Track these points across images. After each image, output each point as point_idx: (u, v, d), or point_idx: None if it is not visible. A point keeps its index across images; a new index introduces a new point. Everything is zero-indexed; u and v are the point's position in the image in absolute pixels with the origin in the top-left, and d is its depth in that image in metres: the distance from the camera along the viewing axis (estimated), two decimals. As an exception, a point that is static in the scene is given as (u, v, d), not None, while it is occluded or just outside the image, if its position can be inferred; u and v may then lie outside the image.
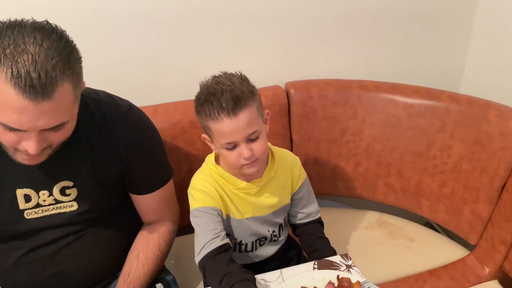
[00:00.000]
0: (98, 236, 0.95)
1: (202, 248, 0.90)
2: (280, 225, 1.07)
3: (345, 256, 0.93)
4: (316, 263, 0.91)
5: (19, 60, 0.62)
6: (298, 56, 1.40)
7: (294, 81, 1.38)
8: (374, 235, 1.31)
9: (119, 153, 0.89)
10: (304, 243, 1.10)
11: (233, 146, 0.88)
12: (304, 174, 1.09)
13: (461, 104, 1.21)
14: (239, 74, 0.90)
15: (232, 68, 0.96)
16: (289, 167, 1.05)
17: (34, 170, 0.82)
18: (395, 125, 1.30)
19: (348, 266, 0.90)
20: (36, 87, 0.63)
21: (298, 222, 1.10)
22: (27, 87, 0.63)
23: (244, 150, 0.87)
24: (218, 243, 0.90)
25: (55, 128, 0.71)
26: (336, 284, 0.82)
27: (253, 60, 1.36)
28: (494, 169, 1.13)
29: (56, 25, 0.69)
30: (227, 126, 0.85)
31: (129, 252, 0.97)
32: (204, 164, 1.02)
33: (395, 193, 1.35)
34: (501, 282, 1.15)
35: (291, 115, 1.35)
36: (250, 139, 0.88)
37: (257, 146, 0.89)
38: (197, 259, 0.91)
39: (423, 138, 1.26)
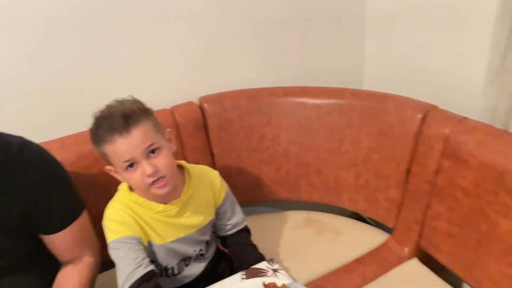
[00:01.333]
0: (15, 285, 0.88)
1: (125, 281, 0.87)
2: (207, 242, 1.07)
3: (271, 260, 0.95)
4: (244, 273, 0.92)
5: None
6: (208, 70, 1.41)
7: (207, 95, 1.38)
8: (303, 234, 1.35)
9: (18, 195, 0.83)
10: (233, 254, 1.10)
11: (132, 164, 0.86)
12: (225, 186, 1.09)
13: (362, 99, 1.29)
14: (131, 98, 0.90)
15: (143, 88, 0.94)
16: (208, 182, 1.05)
17: None
18: (308, 126, 1.35)
19: (275, 270, 0.92)
20: None
21: (226, 234, 1.11)
22: None
23: (146, 166, 0.85)
24: (141, 272, 0.88)
25: None
26: (263, 291, 0.83)
27: (163, 78, 1.36)
28: (399, 155, 1.22)
29: None
30: (121, 145, 0.83)
31: None
32: (117, 193, 0.99)
33: (317, 190, 1.40)
34: (420, 259, 1.23)
35: (208, 129, 1.35)
36: (151, 154, 0.86)
37: (160, 162, 0.87)
38: (121, 292, 0.88)
39: (334, 136, 1.33)
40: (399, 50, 1.48)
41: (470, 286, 1.10)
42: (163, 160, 0.88)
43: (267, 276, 0.89)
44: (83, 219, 0.97)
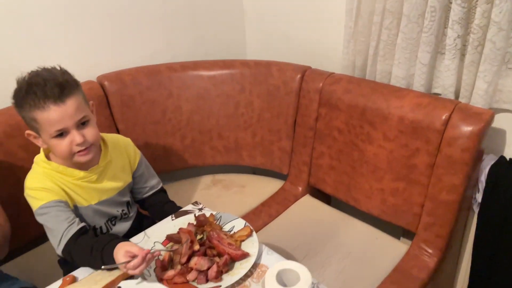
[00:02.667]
0: None
1: (61, 237, 0.91)
2: (128, 202, 1.13)
3: (195, 202, 1.08)
4: (173, 215, 1.03)
5: None
6: (104, 49, 1.45)
7: (106, 73, 1.43)
8: (212, 192, 1.50)
9: None
10: (154, 213, 1.18)
11: (63, 133, 0.90)
12: (138, 152, 1.17)
13: (251, 67, 1.49)
14: (58, 67, 0.92)
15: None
16: (123, 148, 1.12)
17: None
18: (205, 96, 1.50)
19: (200, 209, 1.05)
20: None
21: (144, 196, 1.19)
22: None
23: (76, 136, 0.90)
24: (75, 228, 0.93)
25: None
26: (195, 222, 0.96)
27: (59, 58, 1.34)
28: (285, 111, 1.45)
29: None
30: (54, 113, 0.87)
31: None
32: (34, 165, 1.00)
33: (220, 154, 1.57)
34: (311, 194, 1.49)
35: (111, 106, 1.40)
36: (81, 125, 0.92)
37: (89, 132, 0.93)
38: (59, 249, 0.92)
39: (230, 101, 1.51)
40: (272, 24, 1.70)
41: (351, 205, 1.38)
42: (91, 131, 0.94)
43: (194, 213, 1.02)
44: None
